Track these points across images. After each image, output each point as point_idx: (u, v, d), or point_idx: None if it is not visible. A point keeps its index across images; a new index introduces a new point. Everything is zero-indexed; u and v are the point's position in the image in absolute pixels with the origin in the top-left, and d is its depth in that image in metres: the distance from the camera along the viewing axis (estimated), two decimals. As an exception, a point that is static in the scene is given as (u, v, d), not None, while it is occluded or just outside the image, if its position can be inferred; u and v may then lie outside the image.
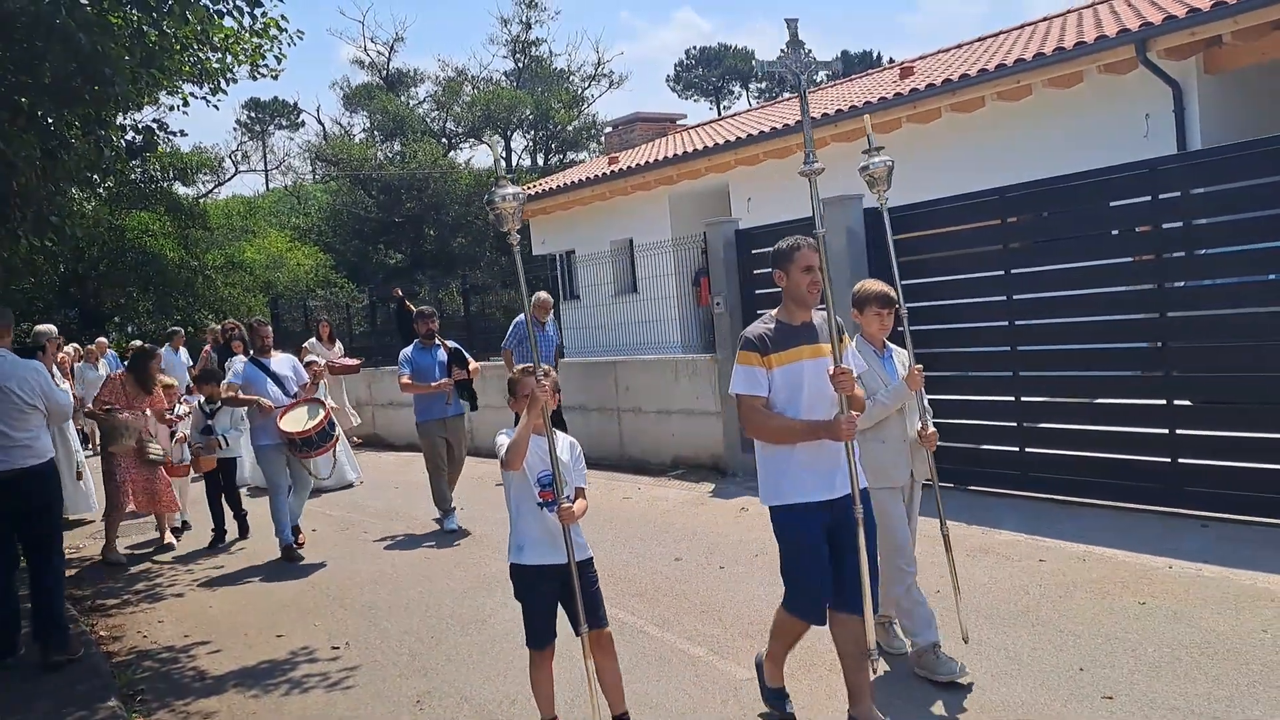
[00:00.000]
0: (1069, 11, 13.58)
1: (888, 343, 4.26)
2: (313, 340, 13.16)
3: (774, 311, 3.72)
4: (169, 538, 8.33)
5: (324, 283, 27.06)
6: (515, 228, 3.57)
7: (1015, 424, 6.90)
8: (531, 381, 3.64)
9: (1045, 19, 13.90)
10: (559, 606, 3.74)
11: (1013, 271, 6.83)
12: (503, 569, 6.66)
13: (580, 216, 18.08)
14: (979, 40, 14.67)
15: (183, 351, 14.85)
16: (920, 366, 4.12)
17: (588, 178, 17.37)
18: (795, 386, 3.57)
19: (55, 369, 7.65)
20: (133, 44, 5.60)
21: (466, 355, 8.12)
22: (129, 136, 7.21)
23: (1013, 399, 6.93)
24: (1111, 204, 6.43)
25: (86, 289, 24.44)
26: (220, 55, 7.01)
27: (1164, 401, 6.14)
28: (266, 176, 48.57)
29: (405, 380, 7.92)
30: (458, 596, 6.08)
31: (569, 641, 3.81)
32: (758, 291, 8.83)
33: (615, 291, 13.80)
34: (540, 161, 37.02)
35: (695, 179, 15.24)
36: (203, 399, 8.34)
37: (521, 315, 9.66)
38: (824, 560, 3.57)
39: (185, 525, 8.91)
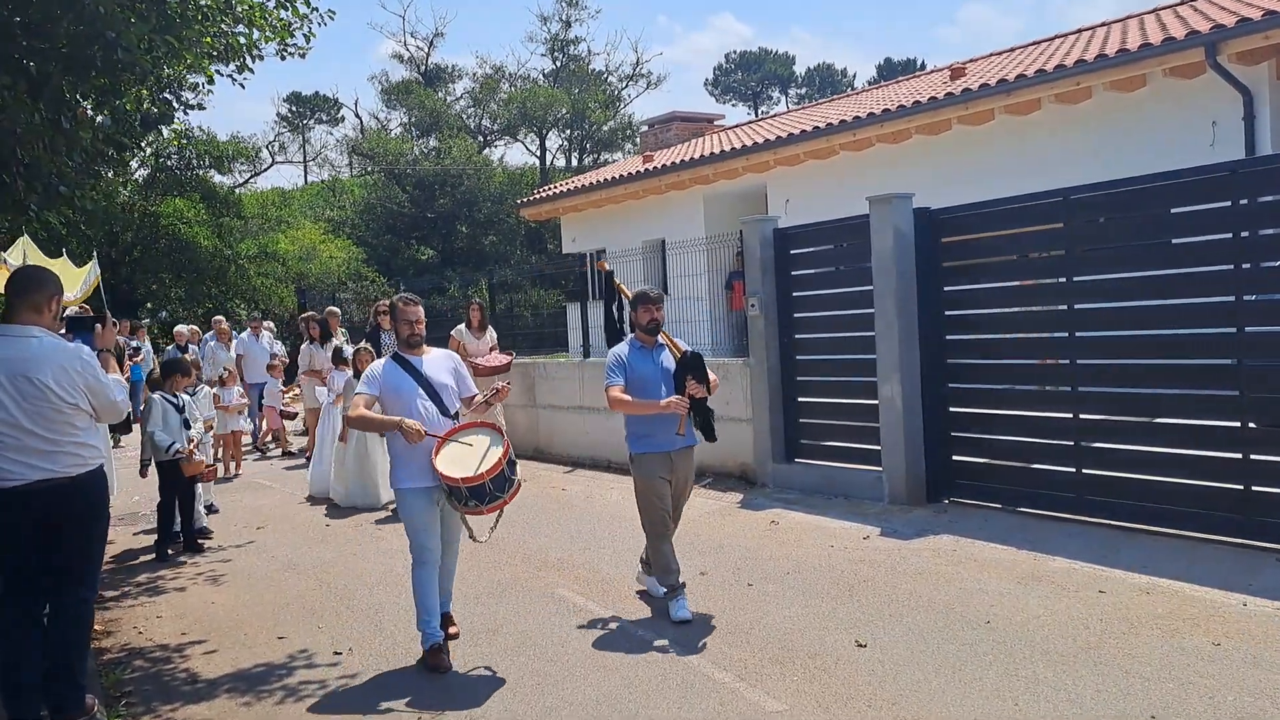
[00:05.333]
0: (1129, 17, 13.03)
1: None
2: (460, 328, 10.59)
3: None
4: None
5: (355, 276, 27.01)
6: None
7: (1072, 443, 6.43)
8: None
9: (1104, 24, 13.34)
10: None
11: (1075, 279, 6.37)
12: (517, 575, 6.32)
13: (613, 215, 17.75)
14: (1033, 44, 14.14)
15: (265, 336, 13.51)
16: None
17: (622, 175, 17.03)
18: None
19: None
20: (148, 9, 5.32)
21: (706, 366, 5.37)
22: (144, 107, 6.93)
23: (1070, 415, 6.46)
24: (1192, 208, 5.95)
25: (119, 274, 24.50)
26: (246, 30, 6.75)
27: (1238, 424, 5.68)
28: (305, 169, 48.82)
29: (617, 394, 5.27)
30: (468, 602, 5.73)
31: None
32: (795, 294, 8.43)
33: (646, 291, 13.41)
34: (574, 161, 36.78)
35: (732, 179, 14.84)
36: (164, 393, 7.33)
37: None
38: None
39: (210, 508, 8.56)
